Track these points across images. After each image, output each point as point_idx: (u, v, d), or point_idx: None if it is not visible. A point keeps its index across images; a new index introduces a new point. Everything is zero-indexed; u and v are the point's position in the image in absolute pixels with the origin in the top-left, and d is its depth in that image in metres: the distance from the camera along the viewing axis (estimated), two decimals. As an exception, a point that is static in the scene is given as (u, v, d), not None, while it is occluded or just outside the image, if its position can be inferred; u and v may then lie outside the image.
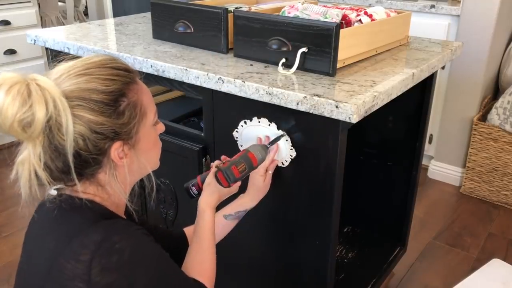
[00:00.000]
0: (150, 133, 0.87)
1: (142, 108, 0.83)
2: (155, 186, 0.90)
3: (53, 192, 0.82)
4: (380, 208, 1.86)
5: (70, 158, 0.75)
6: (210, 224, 1.03)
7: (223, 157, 1.16)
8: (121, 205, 0.89)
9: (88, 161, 0.78)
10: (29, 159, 0.75)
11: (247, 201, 1.17)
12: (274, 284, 1.38)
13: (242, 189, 1.18)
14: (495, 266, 1.33)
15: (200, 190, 1.11)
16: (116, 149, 0.80)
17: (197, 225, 1.03)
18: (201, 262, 0.98)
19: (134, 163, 0.85)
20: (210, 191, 1.07)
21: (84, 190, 0.81)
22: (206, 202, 1.05)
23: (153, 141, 0.89)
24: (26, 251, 0.85)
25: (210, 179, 1.08)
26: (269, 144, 1.16)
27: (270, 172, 1.18)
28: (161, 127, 0.93)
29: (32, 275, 0.80)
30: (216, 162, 1.12)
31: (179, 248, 1.09)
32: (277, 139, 1.16)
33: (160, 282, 0.81)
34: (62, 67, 0.79)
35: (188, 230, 1.16)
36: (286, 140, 1.17)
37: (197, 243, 1.01)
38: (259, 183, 1.16)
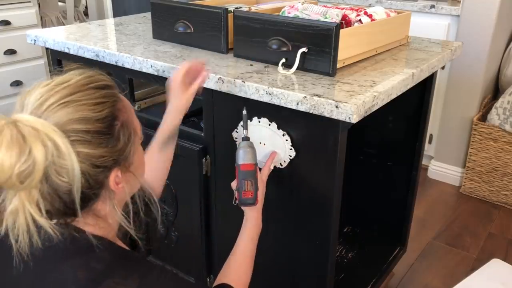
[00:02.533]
0: (139, 149, 0.81)
1: (133, 126, 0.77)
2: (159, 210, 0.86)
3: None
4: (380, 208, 1.86)
5: (78, 201, 0.67)
6: (256, 239, 1.08)
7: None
8: (116, 230, 0.83)
9: (90, 198, 0.72)
10: (24, 209, 0.64)
11: (171, 119, 1.11)
12: (274, 284, 1.38)
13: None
14: (495, 266, 1.33)
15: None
16: (113, 177, 0.72)
17: (245, 236, 1.06)
18: (237, 270, 1.00)
19: (130, 184, 0.79)
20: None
21: (84, 221, 0.74)
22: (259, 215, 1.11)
23: (142, 155, 0.83)
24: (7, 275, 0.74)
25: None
26: (243, 128, 1.12)
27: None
28: (142, 138, 0.85)
29: None
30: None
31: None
32: (245, 118, 1.12)
33: None
34: (39, 92, 0.67)
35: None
36: (286, 140, 1.17)
37: (241, 254, 1.03)
38: (175, 95, 1.10)
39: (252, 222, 1.08)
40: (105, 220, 0.76)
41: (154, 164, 1.08)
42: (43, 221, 0.66)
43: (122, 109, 0.74)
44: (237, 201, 1.10)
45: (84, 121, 0.67)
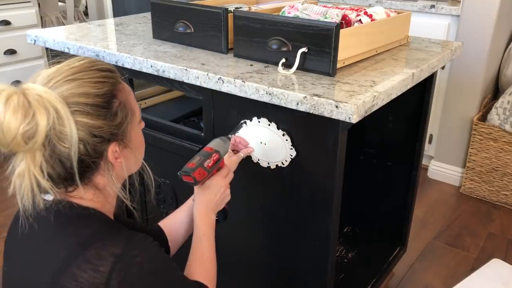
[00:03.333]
0: (138, 130, 0.88)
1: (131, 106, 0.84)
2: (153, 182, 0.92)
3: (47, 196, 0.80)
4: (380, 208, 1.86)
5: (75, 165, 0.75)
6: (213, 224, 1.05)
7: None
8: (112, 207, 0.89)
9: (89, 166, 0.78)
10: (29, 171, 0.73)
11: None
12: (274, 284, 1.38)
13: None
14: (495, 266, 1.33)
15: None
16: (112, 150, 0.80)
17: (201, 227, 1.04)
18: (203, 263, 0.99)
19: (129, 160, 0.86)
20: (213, 194, 1.06)
21: (83, 195, 0.81)
22: (209, 207, 1.05)
23: (141, 137, 0.90)
24: (16, 260, 0.83)
25: (213, 179, 1.06)
26: (231, 134, 1.17)
27: (242, 154, 1.19)
28: (143, 124, 0.93)
29: (32, 279, 0.79)
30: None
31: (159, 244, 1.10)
32: (238, 127, 1.19)
33: None
34: (46, 73, 0.77)
35: (164, 225, 1.15)
36: (286, 140, 1.17)
37: (202, 245, 1.01)
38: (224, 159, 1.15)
39: (200, 219, 1.04)
40: (103, 194, 0.83)
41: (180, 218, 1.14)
42: (45, 182, 0.74)
43: (121, 90, 0.82)
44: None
45: (85, 95, 0.75)
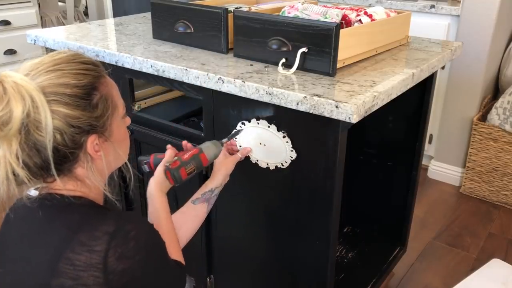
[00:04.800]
0: (121, 125, 0.89)
1: (113, 101, 0.85)
2: (133, 176, 0.93)
3: (32, 193, 0.82)
4: (380, 208, 1.86)
5: (50, 153, 0.75)
6: (165, 204, 1.06)
7: (184, 143, 1.19)
8: (100, 199, 0.91)
9: (66, 156, 0.79)
10: (5, 158, 0.74)
11: (210, 181, 1.19)
12: (274, 284, 1.38)
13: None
14: (495, 266, 1.33)
15: (151, 171, 1.14)
16: (91, 142, 0.81)
17: (154, 208, 1.05)
18: (168, 243, 0.99)
19: (109, 154, 0.86)
20: (163, 179, 1.09)
21: (64, 186, 0.82)
22: (160, 188, 1.07)
23: (124, 133, 0.91)
24: (11, 259, 0.83)
25: (161, 170, 1.10)
26: (226, 139, 1.19)
27: (239, 155, 1.21)
28: (128, 120, 0.94)
29: (29, 273, 0.79)
30: (169, 152, 1.14)
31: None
32: (235, 133, 1.21)
33: (163, 268, 0.86)
34: (29, 64, 0.79)
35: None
36: (287, 142, 1.17)
37: (158, 227, 1.00)
38: (219, 160, 1.19)
39: (162, 194, 1.07)
40: (85, 185, 0.84)
41: (185, 213, 1.15)
42: (20, 170, 0.75)
43: (104, 84, 0.83)
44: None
45: (64, 85, 0.76)
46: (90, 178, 0.83)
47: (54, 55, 0.80)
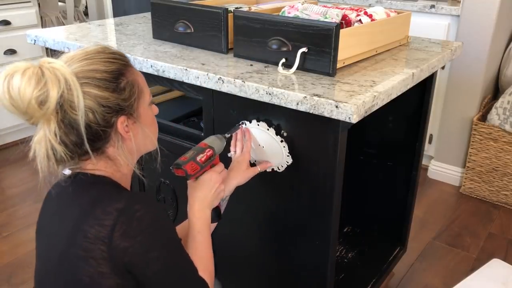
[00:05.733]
0: (148, 111, 0.96)
1: (139, 87, 0.93)
2: (159, 152, 1.01)
3: (67, 172, 0.91)
4: (380, 208, 1.86)
5: (83, 129, 0.83)
6: (208, 221, 1.05)
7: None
8: (127, 178, 0.97)
9: (98, 134, 0.86)
10: (45, 137, 0.82)
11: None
12: (274, 284, 1.38)
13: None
14: (495, 266, 1.33)
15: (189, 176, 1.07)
16: (121, 123, 0.88)
17: (195, 224, 1.03)
18: (201, 258, 0.99)
19: (138, 136, 0.93)
20: (209, 188, 1.06)
21: (95, 165, 0.90)
22: (203, 203, 1.05)
23: (151, 119, 0.98)
24: (43, 227, 0.93)
25: (207, 175, 1.06)
26: (227, 133, 1.17)
27: (259, 168, 1.20)
28: (155, 109, 1.01)
29: (54, 245, 0.87)
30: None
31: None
32: (236, 128, 1.20)
33: (172, 259, 0.86)
34: (65, 56, 0.88)
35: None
36: (284, 147, 1.17)
37: (197, 242, 1.01)
38: (241, 169, 1.17)
39: (194, 215, 1.03)
40: (115, 164, 0.92)
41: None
42: (58, 146, 0.83)
43: (130, 71, 0.91)
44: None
45: (94, 71, 0.85)
46: (121, 156, 0.91)
47: (86, 48, 0.90)
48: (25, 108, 0.78)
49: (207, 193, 1.05)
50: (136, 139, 0.93)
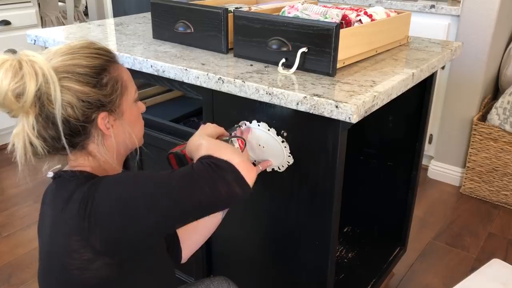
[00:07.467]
0: (132, 108, 0.94)
1: (123, 83, 0.91)
2: (139, 151, 1.00)
3: (53, 170, 0.92)
4: (380, 208, 1.86)
5: (60, 123, 0.82)
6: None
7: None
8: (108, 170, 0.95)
9: (77, 129, 0.86)
10: (23, 130, 0.82)
11: None
12: (274, 284, 1.38)
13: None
14: (495, 266, 1.33)
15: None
16: (102, 119, 0.87)
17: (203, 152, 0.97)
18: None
19: (120, 134, 0.92)
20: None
21: (75, 160, 0.90)
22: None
23: (136, 116, 0.96)
24: (39, 226, 0.94)
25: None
26: (230, 130, 1.18)
27: (260, 167, 1.18)
28: (142, 106, 0.99)
29: (44, 245, 0.90)
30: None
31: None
32: (234, 128, 1.20)
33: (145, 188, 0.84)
34: (48, 49, 0.88)
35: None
36: (285, 147, 1.17)
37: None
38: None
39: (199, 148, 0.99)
40: (97, 160, 0.91)
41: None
42: (35, 140, 0.83)
43: (114, 67, 0.90)
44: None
45: (75, 66, 0.84)
46: (101, 153, 0.90)
47: (71, 43, 0.88)
48: (2, 100, 0.78)
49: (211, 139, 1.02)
50: (118, 136, 0.92)
